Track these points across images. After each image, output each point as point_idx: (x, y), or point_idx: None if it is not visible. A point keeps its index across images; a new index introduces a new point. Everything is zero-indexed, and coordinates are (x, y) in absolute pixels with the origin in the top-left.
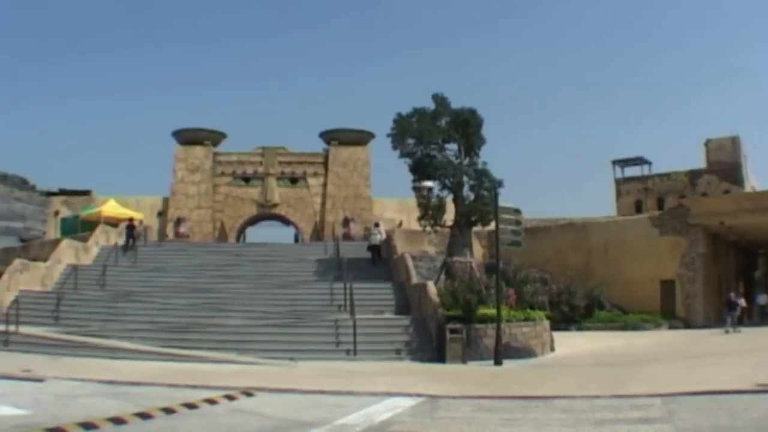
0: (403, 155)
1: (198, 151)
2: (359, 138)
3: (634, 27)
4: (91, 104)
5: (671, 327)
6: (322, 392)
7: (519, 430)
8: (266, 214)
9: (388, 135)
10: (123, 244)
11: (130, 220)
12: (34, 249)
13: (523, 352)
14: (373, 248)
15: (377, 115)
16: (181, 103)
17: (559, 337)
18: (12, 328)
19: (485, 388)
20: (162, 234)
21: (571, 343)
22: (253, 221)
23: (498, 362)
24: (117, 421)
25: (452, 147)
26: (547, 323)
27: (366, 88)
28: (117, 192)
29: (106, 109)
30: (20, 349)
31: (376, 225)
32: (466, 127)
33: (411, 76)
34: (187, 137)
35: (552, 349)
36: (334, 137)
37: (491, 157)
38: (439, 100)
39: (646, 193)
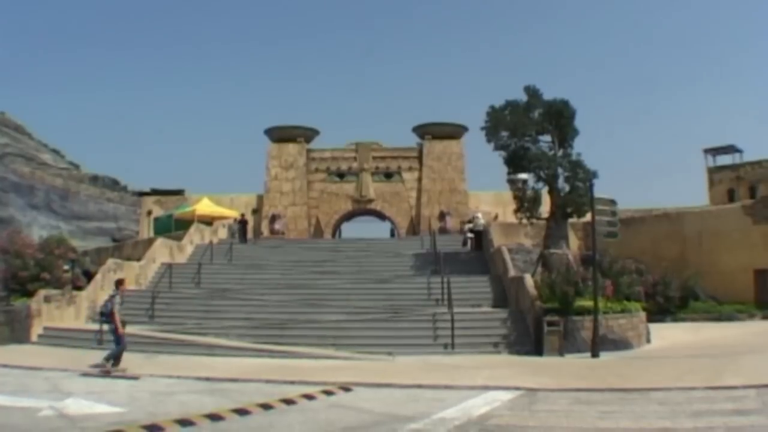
0: (497, 148)
1: (291, 148)
2: (453, 132)
3: (722, 19)
4: (181, 104)
5: (765, 317)
6: (420, 386)
7: (616, 423)
8: (361, 209)
9: (482, 128)
10: (240, 240)
11: (242, 215)
12: (127, 249)
13: (620, 344)
14: (475, 233)
15: (469, 109)
16: (273, 100)
17: (654, 328)
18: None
19: (582, 380)
20: (257, 231)
21: (666, 335)
22: (348, 217)
23: (595, 354)
24: (214, 417)
25: (546, 139)
26: (643, 315)
27: (457, 81)
28: (210, 191)
29: (197, 110)
30: None
31: (471, 220)
32: (559, 119)
33: (502, 68)
34: (280, 135)
35: (648, 340)
36: (427, 131)
37: (584, 148)
38: (532, 91)
39: (738, 182)
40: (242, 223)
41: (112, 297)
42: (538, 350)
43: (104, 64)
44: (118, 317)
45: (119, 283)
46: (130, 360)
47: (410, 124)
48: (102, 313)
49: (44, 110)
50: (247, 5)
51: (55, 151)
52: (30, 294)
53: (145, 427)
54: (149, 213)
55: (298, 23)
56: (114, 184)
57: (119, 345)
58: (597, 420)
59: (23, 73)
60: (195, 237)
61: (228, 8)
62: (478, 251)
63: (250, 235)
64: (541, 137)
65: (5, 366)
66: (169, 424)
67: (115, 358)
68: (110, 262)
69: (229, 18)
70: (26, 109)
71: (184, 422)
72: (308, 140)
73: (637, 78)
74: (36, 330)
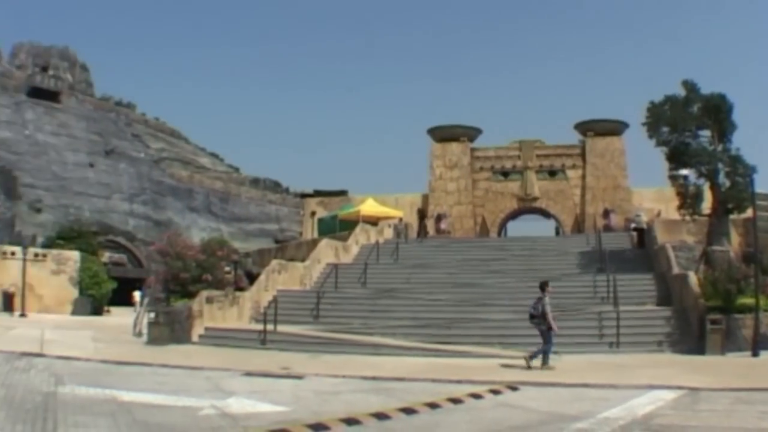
0: (659, 144)
1: (455, 147)
2: (613, 128)
3: None
4: (341, 105)
5: None
6: (585, 385)
7: None
8: (526, 207)
9: (643, 124)
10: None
11: (421, 211)
12: (290, 250)
13: None
14: (638, 230)
15: (624, 105)
16: (433, 99)
17: None
18: (270, 327)
19: (743, 379)
20: (423, 231)
21: None
22: (513, 215)
23: (755, 353)
24: (380, 416)
25: (705, 134)
26: None
27: (614, 77)
28: (373, 191)
29: (358, 110)
30: (278, 347)
31: (637, 215)
32: (718, 113)
33: (656, 63)
34: (443, 134)
35: None
36: (589, 128)
37: (742, 143)
38: (689, 86)
39: None
40: (422, 218)
41: (540, 299)
42: (699, 349)
43: (261, 68)
44: (551, 316)
45: (545, 284)
46: (293, 360)
47: (569, 121)
48: (532, 316)
49: (199, 116)
50: (410, 8)
51: (214, 155)
52: (190, 295)
53: (310, 426)
54: (313, 214)
55: (454, 23)
56: (275, 186)
57: (548, 344)
58: (758, 420)
59: (177, 80)
60: (360, 237)
61: (391, 10)
62: (641, 249)
63: (412, 235)
64: (700, 132)
65: (165, 366)
66: (335, 423)
67: (544, 355)
68: (274, 263)
69: (390, 19)
70: (181, 116)
71: (350, 421)
72: (471, 139)
73: None
74: (197, 330)
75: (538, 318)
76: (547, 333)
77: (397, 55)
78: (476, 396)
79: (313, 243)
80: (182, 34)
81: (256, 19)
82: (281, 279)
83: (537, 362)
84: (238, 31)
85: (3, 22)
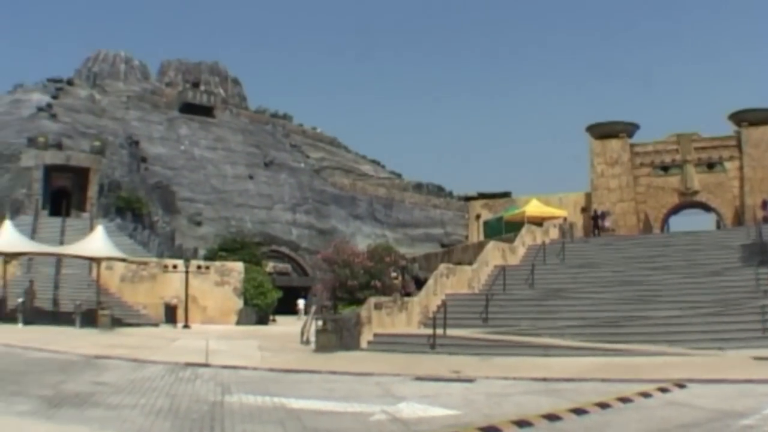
0: None
1: (614, 144)
2: (767, 117)
3: None
4: (499, 108)
5: None
6: (750, 381)
7: None
8: (687, 202)
9: None
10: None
11: (594, 211)
12: (456, 253)
13: None
14: None
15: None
16: (590, 97)
17: None
18: (439, 331)
19: None
20: (587, 230)
21: None
22: (675, 210)
23: None
24: (551, 417)
25: None
26: None
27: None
28: (535, 191)
29: (518, 112)
30: (447, 351)
31: None
32: None
33: None
34: (602, 131)
35: None
36: (743, 118)
37: None
38: None
39: None
40: (595, 218)
41: None
42: None
43: (417, 74)
44: None
45: None
46: (463, 363)
47: (717, 111)
48: None
49: (357, 125)
50: (565, 9)
51: (375, 162)
52: (358, 302)
53: (482, 428)
54: (477, 217)
55: (606, 24)
56: (438, 191)
57: None
58: None
59: (331, 91)
60: (527, 238)
61: (545, 13)
62: None
63: (578, 234)
64: None
65: (334, 372)
66: (506, 425)
67: None
68: (442, 267)
69: (545, 22)
70: (338, 125)
71: (521, 423)
72: (629, 135)
73: None
74: (365, 337)
75: None
76: None
77: (555, 55)
78: (645, 395)
79: (480, 246)
80: (332, 44)
81: (409, 26)
82: (449, 283)
83: None
84: (391, 39)
85: (148, 41)
